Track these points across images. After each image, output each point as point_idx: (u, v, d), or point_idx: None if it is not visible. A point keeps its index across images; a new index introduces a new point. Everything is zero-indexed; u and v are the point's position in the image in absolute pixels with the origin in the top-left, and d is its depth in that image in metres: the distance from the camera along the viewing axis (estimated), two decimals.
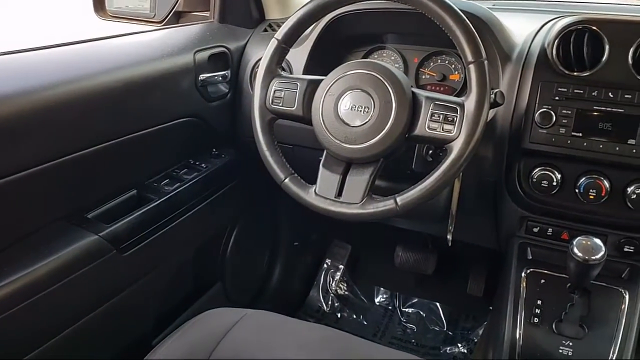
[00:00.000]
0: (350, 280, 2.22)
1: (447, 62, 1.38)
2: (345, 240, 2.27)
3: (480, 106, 0.97)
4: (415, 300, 2.12)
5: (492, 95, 1.01)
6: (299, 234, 2.13)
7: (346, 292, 2.19)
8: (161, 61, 1.32)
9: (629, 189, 1.12)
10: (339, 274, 2.21)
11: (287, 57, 1.19)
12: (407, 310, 2.10)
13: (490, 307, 1.79)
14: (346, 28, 1.40)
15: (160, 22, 1.69)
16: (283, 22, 1.14)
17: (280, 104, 1.11)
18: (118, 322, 1.29)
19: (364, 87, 1.03)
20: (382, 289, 2.18)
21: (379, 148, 1.02)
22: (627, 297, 1.18)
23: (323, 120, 1.06)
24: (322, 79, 1.08)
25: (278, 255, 2.06)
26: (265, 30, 1.59)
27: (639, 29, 1.09)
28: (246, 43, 1.55)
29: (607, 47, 1.10)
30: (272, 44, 1.13)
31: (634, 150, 1.09)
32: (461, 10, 0.99)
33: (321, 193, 1.07)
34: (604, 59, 1.10)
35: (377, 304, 2.15)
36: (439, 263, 2.05)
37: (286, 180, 1.10)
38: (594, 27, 1.11)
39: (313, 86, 1.09)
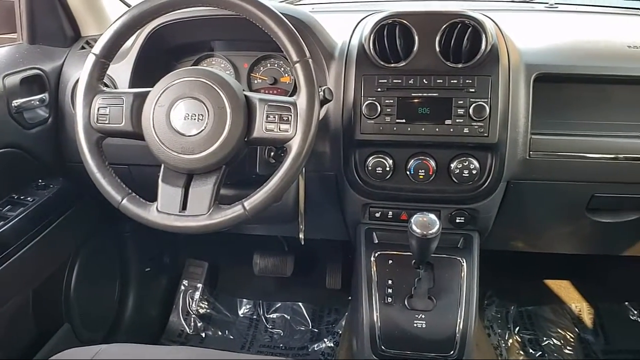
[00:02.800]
0: (211, 297, 2.17)
1: (276, 65, 1.41)
2: (201, 257, 2.21)
3: (311, 103, 1.00)
4: (279, 304, 2.13)
5: (321, 92, 1.05)
6: (149, 259, 2.03)
7: (208, 310, 2.14)
8: None
9: (452, 165, 1.23)
10: (198, 293, 2.15)
11: (109, 72, 1.13)
12: (271, 316, 2.11)
13: (349, 297, 1.86)
14: (171, 37, 1.36)
15: None
16: None
17: (107, 122, 1.04)
18: None
19: (194, 94, 1.01)
20: (244, 300, 2.16)
21: (219, 155, 1.00)
22: (464, 264, 1.30)
23: (156, 134, 1.01)
24: (150, 91, 1.04)
25: (129, 284, 1.95)
26: (83, 47, 1.49)
27: (442, 19, 1.20)
28: (63, 63, 1.45)
29: (416, 38, 1.20)
30: (90, 59, 1.06)
31: (452, 130, 1.20)
32: (282, 13, 1.01)
33: (164, 209, 1.02)
34: (415, 49, 1.20)
35: (242, 315, 2.13)
36: (297, 263, 2.09)
37: (124, 201, 1.03)
38: (404, 21, 1.20)
39: (140, 99, 1.04)
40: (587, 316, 2.02)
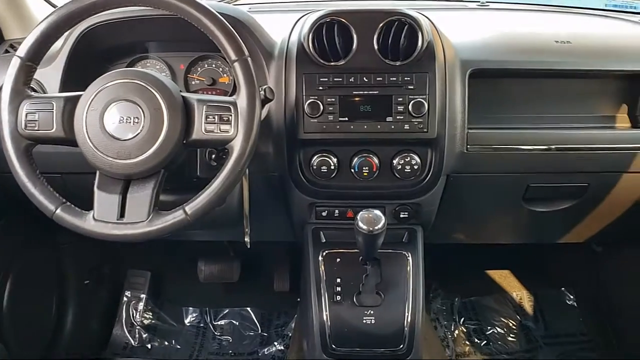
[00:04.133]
0: (155, 307, 2.11)
1: (214, 65, 1.38)
2: (143, 266, 2.15)
3: (252, 102, 0.98)
4: (227, 311, 2.10)
5: (262, 92, 1.04)
6: (88, 271, 1.95)
7: (153, 321, 2.07)
8: None
9: (395, 161, 1.25)
10: (141, 304, 2.09)
11: (37, 77, 1.08)
12: (219, 323, 2.07)
13: (298, 299, 1.86)
14: (103, 39, 1.31)
15: None
16: None
17: (36, 128, 0.99)
18: None
19: (129, 96, 0.97)
20: (190, 308, 2.11)
21: (156, 159, 0.97)
22: (410, 258, 1.31)
23: (89, 139, 0.97)
24: (81, 94, 0.99)
25: (68, 299, 1.87)
26: (7, 51, 1.42)
27: (379, 17, 1.21)
28: None
29: (355, 36, 1.20)
30: (15, 62, 1.01)
31: (393, 127, 1.21)
32: (218, 12, 0.99)
33: (101, 217, 0.98)
34: (354, 47, 1.20)
35: (188, 324, 2.08)
36: (243, 268, 2.06)
37: (58, 210, 0.99)
38: (342, 19, 1.20)
39: (72, 103, 0.99)
40: (527, 304, 2.10)
